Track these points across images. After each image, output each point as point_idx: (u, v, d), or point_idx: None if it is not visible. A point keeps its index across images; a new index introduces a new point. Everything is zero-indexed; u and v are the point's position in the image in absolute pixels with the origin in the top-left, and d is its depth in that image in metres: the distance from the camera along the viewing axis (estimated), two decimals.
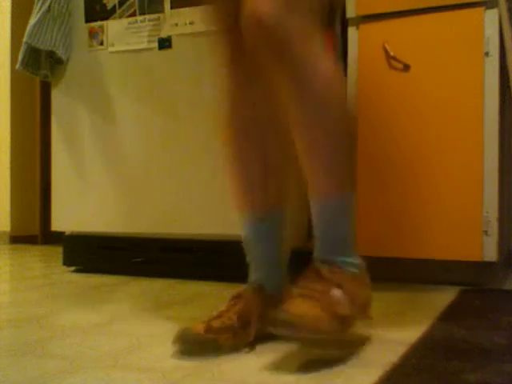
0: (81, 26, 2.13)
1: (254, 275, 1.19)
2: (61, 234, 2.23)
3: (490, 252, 1.73)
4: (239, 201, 1.22)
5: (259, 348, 1.09)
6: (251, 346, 1.08)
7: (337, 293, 1.00)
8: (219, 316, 1.10)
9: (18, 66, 2.13)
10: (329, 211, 1.07)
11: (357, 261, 1.08)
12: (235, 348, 1.07)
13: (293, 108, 1.04)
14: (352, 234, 1.09)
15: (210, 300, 1.63)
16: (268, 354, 1.05)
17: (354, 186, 1.11)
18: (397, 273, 1.86)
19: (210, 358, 1.02)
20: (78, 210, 2.14)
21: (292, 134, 1.06)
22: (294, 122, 1.05)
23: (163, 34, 1.98)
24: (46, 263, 2.51)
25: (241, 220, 1.21)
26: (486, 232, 1.74)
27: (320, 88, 1.02)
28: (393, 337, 1.18)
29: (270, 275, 1.18)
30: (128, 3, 2.04)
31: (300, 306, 0.97)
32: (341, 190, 1.06)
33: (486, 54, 1.74)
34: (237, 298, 1.14)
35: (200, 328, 1.07)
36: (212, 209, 1.90)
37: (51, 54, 2.12)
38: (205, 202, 1.92)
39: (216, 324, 1.07)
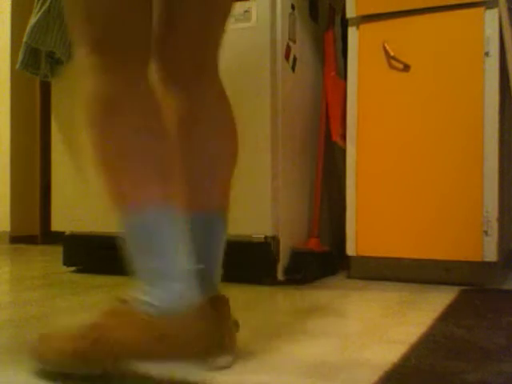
0: None
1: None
2: (61, 234, 2.22)
3: (489, 252, 1.73)
4: None
5: (254, 349, 1.09)
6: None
7: (87, 325, 0.92)
8: None
9: (18, 66, 2.13)
10: (126, 229, 0.94)
11: (160, 303, 0.90)
12: None
13: None
14: (158, 266, 0.93)
15: None
16: (264, 354, 1.05)
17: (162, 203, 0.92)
18: (397, 273, 1.86)
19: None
20: (78, 210, 2.13)
21: None
22: None
23: None
24: (45, 263, 2.51)
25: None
26: (486, 232, 1.74)
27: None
28: (393, 337, 1.18)
29: None
30: None
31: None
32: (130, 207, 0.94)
33: (486, 53, 1.74)
34: None
35: None
36: None
37: (51, 54, 2.12)
38: None
39: None
